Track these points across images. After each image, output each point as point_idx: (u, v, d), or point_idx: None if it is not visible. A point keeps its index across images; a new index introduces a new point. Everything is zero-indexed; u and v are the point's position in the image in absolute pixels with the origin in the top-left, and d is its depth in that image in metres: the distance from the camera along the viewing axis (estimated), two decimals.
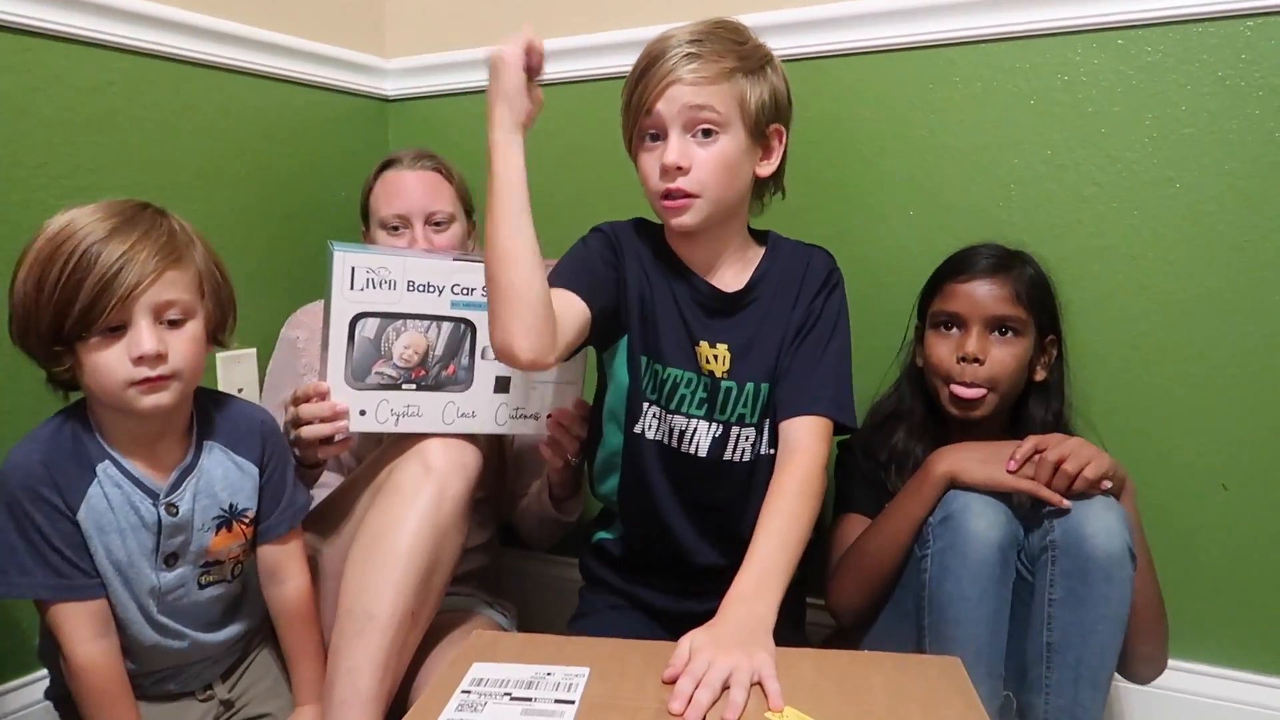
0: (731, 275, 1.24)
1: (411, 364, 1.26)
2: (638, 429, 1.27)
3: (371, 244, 1.55)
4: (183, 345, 1.07)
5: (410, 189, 1.51)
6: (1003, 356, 1.26)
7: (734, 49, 1.13)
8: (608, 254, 1.24)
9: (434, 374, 1.27)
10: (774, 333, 1.23)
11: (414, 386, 1.27)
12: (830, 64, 1.57)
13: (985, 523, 1.12)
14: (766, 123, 1.16)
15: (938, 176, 1.52)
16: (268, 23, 1.71)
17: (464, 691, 0.92)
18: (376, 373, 1.24)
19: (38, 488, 1.04)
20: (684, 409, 1.25)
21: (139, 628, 1.13)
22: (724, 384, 1.23)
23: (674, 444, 1.26)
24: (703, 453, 1.25)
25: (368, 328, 1.23)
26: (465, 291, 1.27)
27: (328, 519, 1.35)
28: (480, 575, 1.58)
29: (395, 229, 1.51)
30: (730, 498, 1.26)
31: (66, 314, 0.99)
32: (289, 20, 1.75)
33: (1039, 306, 1.30)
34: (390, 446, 1.30)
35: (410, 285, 1.24)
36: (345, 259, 1.20)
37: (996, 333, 1.28)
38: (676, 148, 1.11)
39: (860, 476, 1.37)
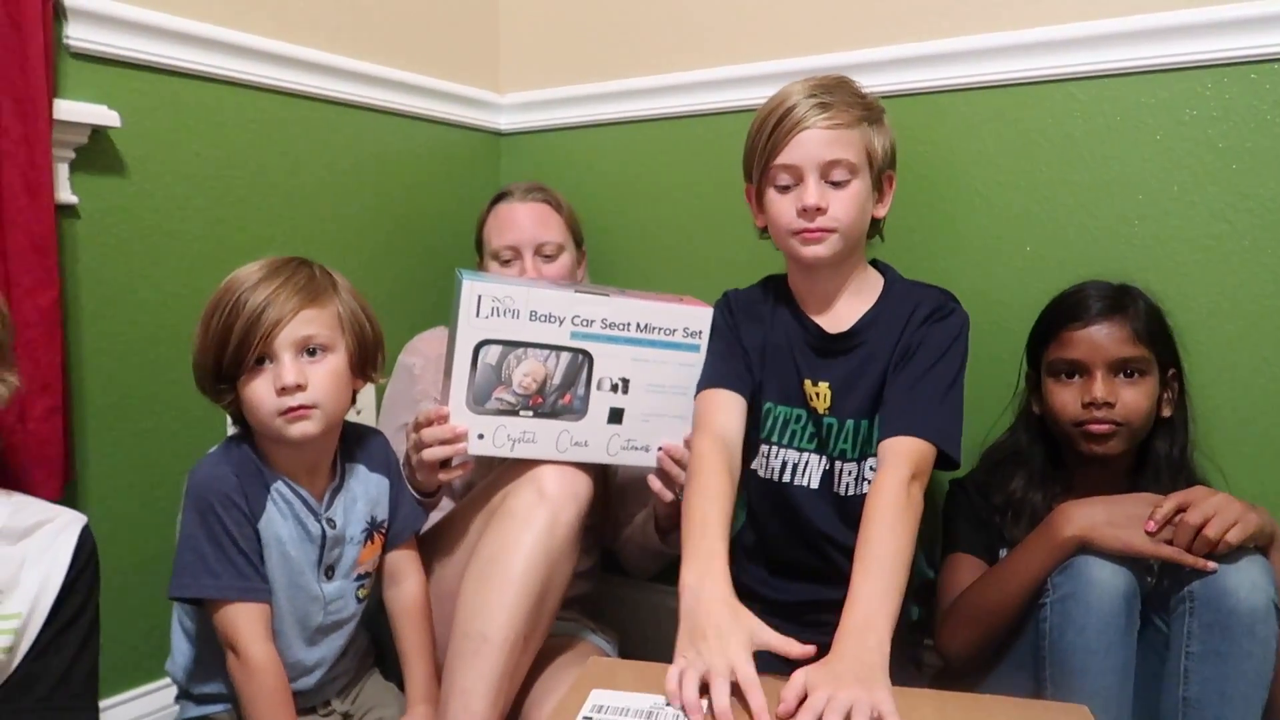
0: (845, 310, 1.29)
1: (530, 391, 1.29)
2: (753, 465, 1.33)
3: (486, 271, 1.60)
4: (322, 377, 1.16)
5: (521, 221, 1.56)
6: (1134, 398, 1.23)
7: (858, 100, 1.22)
8: (731, 331, 1.34)
9: (551, 402, 1.30)
10: (875, 370, 1.25)
11: (531, 413, 1.29)
12: (947, 99, 1.56)
13: (1109, 570, 1.09)
14: (883, 169, 1.25)
15: (1057, 213, 1.49)
16: (389, 60, 1.78)
17: (585, 718, 0.93)
18: (496, 398, 1.28)
19: (230, 494, 1.15)
20: (795, 443, 1.31)
21: (287, 641, 1.21)
22: (826, 420, 1.28)
23: (788, 478, 1.31)
24: (814, 485, 1.30)
25: (490, 354, 1.26)
26: (585, 323, 1.29)
27: (442, 541, 1.38)
28: (583, 601, 1.60)
29: (507, 260, 1.56)
30: (839, 529, 1.28)
31: (224, 353, 1.13)
32: (409, 58, 1.83)
33: (1159, 342, 1.27)
34: (504, 472, 1.32)
35: (533, 315, 1.27)
36: (473, 288, 1.24)
37: (1122, 375, 1.24)
38: (815, 191, 1.19)
39: (972, 517, 1.35)
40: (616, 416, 1.34)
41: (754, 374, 1.32)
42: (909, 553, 1.08)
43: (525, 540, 1.22)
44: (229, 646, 1.14)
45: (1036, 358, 1.34)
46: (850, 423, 1.27)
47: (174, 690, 1.29)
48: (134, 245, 1.40)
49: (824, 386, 1.27)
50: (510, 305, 1.25)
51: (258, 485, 1.18)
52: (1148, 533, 1.09)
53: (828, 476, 1.29)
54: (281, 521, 1.19)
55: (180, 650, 1.25)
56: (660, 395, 1.34)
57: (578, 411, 1.32)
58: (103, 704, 1.38)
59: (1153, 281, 1.33)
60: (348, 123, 1.72)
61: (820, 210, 1.19)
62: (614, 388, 1.32)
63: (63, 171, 1.29)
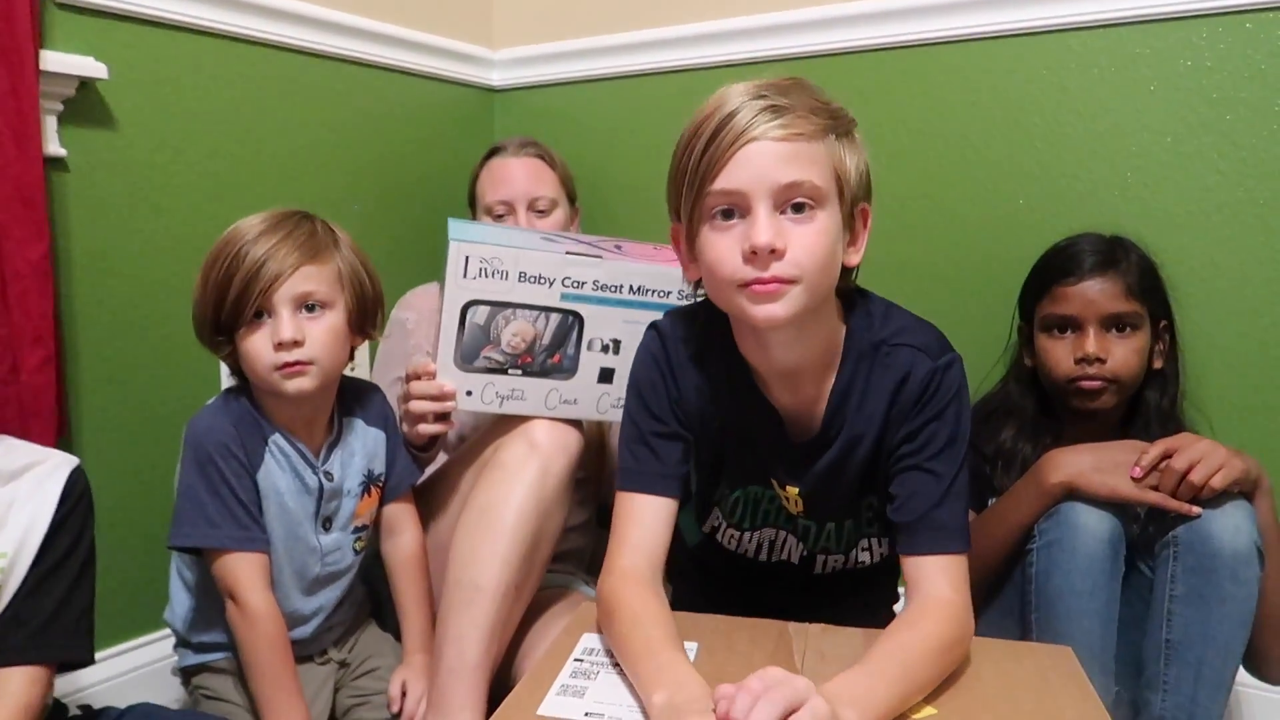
0: (812, 388, 1.01)
1: (518, 351, 1.29)
2: (708, 529, 1.18)
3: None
4: (320, 334, 1.16)
5: (514, 176, 1.56)
6: (1124, 353, 1.23)
7: (821, 106, 0.90)
8: (663, 394, 1.03)
9: (540, 361, 1.30)
10: (853, 466, 1.03)
11: (520, 372, 1.29)
12: (943, 50, 1.55)
13: (1094, 516, 1.10)
14: (856, 199, 0.94)
15: (1050, 165, 1.49)
16: (382, 15, 1.77)
17: (576, 660, 0.94)
18: (484, 357, 1.28)
19: (229, 445, 1.16)
20: (771, 522, 1.13)
21: (285, 591, 1.23)
22: (801, 521, 1.11)
23: (763, 558, 1.16)
24: (794, 561, 1.16)
25: (478, 314, 1.26)
26: (576, 285, 1.28)
27: (435, 494, 1.40)
28: (578, 555, 1.62)
29: (500, 215, 1.56)
30: (822, 601, 1.12)
31: (222, 304, 1.13)
32: (402, 12, 1.82)
33: (1151, 295, 1.27)
34: (495, 425, 1.33)
35: (522, 276, 1.25)
36: (460, 248, 1.23)
37: (1114, 330, 1.25)
38: (768, 225, 0.86)
39: None
40: (607, 376, 1.33)
41: (697, 450, 1.06)
42: (931, 684, 0.85)
43: (517, 491, 1.23)
44: (228, 595, 1.16)
45: (1029, 312, 1.35)
46: (831, 525, 1.10)
47: (172, 640, 1.31)
48: (123, 198, 1.40)
49: (793, 491, 1.06)
50: (499, 266, 1.24)
51: (256, 437, 1.19)
52: (1134, 479, 1.11)
53: (808, 561, 1.14)
54: (279, 473, 1.20)
55: (179, 600, 1.27)
56: None
57: (567, 371, 1.31)
58: (102, 654, 1.41)
59: (1146, 233, 1.33)
60: (340, 78, 1.71)
61: (775, 253, 0.85)
62: (605, 348, 1.31)
63: (50, 124, 1.28)
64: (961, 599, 0.92)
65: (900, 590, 1.12)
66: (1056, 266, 1.30)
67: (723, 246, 0.89)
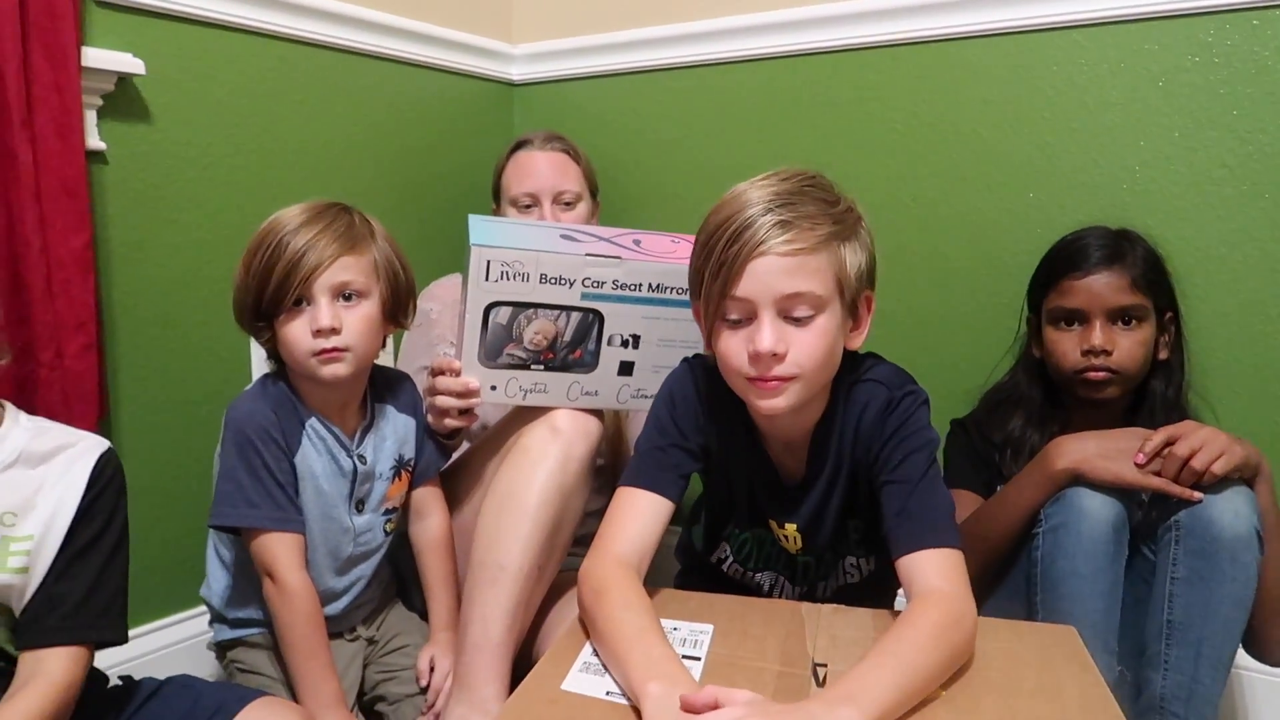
0: (799, 438, 1.12)
1: (541, 347, 1.32)
2: (714, 560, 1.27)
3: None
4: (356, 322, 1.20)
5: (540, 169, 1.59)
6: (1130, 345, 1.26)
7: (828, 212, 0.98)
8: (688, 416, 1.12)
9: (561, 357, 1.33)
10: (837, 496, 1.13)
11: (542, 367, 1.32)
12: (952, 47, 1.58)
13: (1099, 501, 1.13)
14: (858, 293, 1.02)
15: (1059, 159, 1.52)
16: (405, 10, 1.81)
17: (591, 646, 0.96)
18: (508, 354, 1.31)
19: (268, 429, 1.20)
20: (771, 566, 1.23)
21: (319, 570, 1.27)
22: (800, 559, 1.21)
23: (765, 591, 1.25)
24: (795, 598, 1.23)
25: (501, 314, 1.28)
26: (596, 284, 1.30)
27: (459, 479, 1.44)
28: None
29: (526, 207, 1.59)
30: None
31: (264, 292, 1.17)
32: (424, 8, 1.85)
33: (1157, 289, 1.29)
34: (518, 413, 1.37)
35: (543, 278, 1.27)
36: (482, 254, 1.24)
37: (1120, 323, 1.27)
38: (771, 333, 0.96)
39: (972, 455, 1.39)
40: (626, 369, 1.36)
41: (707, 487, 1.22)
42: (935, 681, 0.86)
43: (539, 475, 1.26)
44: (266, 573, 1.20)
45: (1037, 303, 1.37)
46: (828, 554, 1.20)
47: (206, 617, 1.36)
48: (159, 190, 1.44)
49: (791, 528, 1.16)
50: (520, 269, 1.26)
51: (293, 421, 1.24)
52: (1137, 465, 1.14)
53: (808, 594, 1.23)
54: (315, 456, 1.25)
55: (216, 577, 1.31)
56: (670, 348, 1.35)
57: (588, 365, 1.34)
58: (140, 629, 1.46)
59: (1153, 226, 1.36)
60: (364, 72, 1.75)
61: (776, 357, 0.97)
62: (624, 343, 1.34)
63: (91, 118, 1.33)
64: (951, 587, 0.94)
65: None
66: (1064, 260, 1.33)
67: (732, 344, 1.00)
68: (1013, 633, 1.01)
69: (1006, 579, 1.25)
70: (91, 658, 0.98)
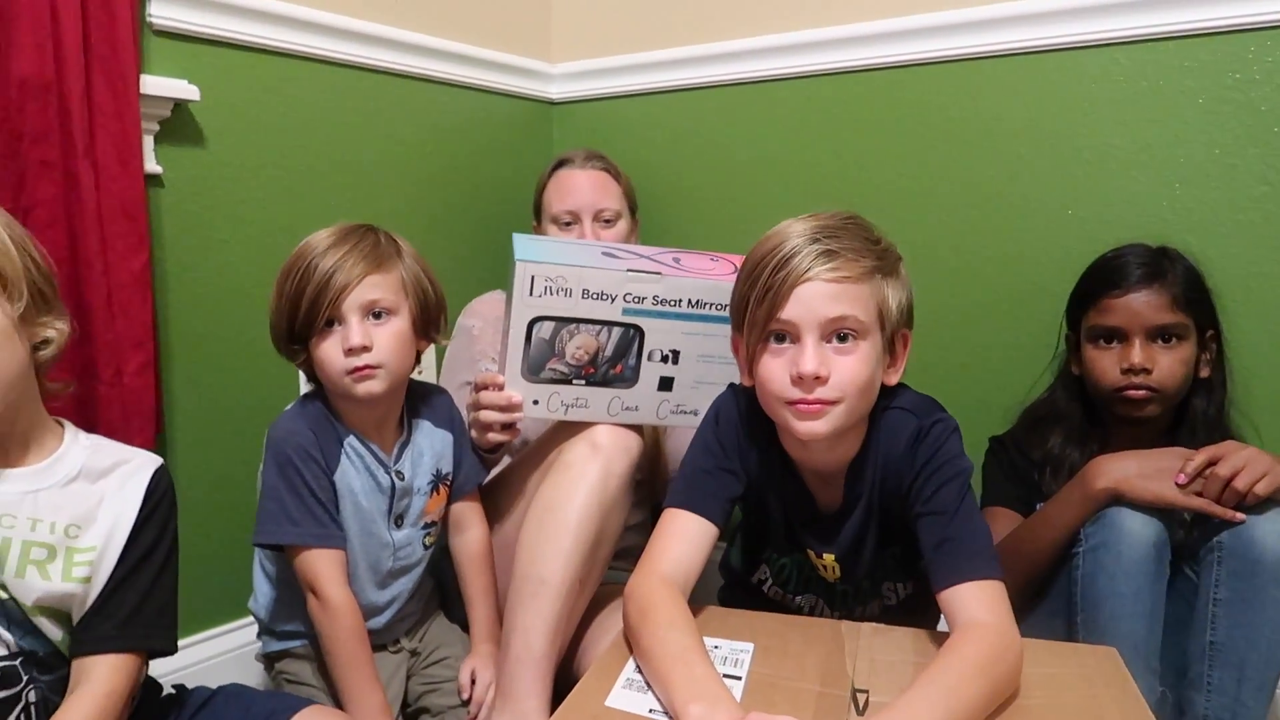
0: (835, 466, 1.13)
1: (582, 362, 1.34)
2: (755, 581, 1.29)
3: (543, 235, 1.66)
4: (386, 338, 1.23)
5: (582, 187, 1.62)
6: (1170, 363, 1.26)
7: (870, 248, 1.02)
8: (731, 441, 1.15)
9: (602, 372, 1.35)
10: (872, 526, 1.15)
11: (583, 382, 1.34)
12: (989, 64, 1.58)
13: (1140, 521, 1.13)
14: (897, 329, 1.05)
15: (1098, 176, 1.52)
16: (446, 33, 1.85)
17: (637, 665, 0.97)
18: (550, 368, 1.33)
19: (308, 448, 1.23)
20: (811, 590, 1.25)
21: (361, 585, 1.30)
22: (839, 588, 1.22)
23: (806, 612, 1.26)
24: (828, 617, 1.25)
25: (544, 329, 1.31)
26: (637, 300, 1.32)
27: (500, 493, 1.46)
28: (635, 553, 1.64)
29: (567, 224, 1.62)
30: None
31: (296, 315, 1.21)
32: (465, 30, 1.89)
33: (1197, 306, 1.29)
34: (558, 428, 1.39)
35: (585, 293, 1.30)
36: (526, 269, 1.27)
37: (1160, 341, 1.27)
38: (814, 355, 0.98)
39: (1010, 472, 1.39)
40: (666, 384, 1.38)
41: (745, 512, 1.25)
42: (978, 704, 0.86)
43: (580, 490, 1.28)
44: (309, 589, 1.23)
45: (1076, 321, 1.37)
46: (866, 582, 1.21)
47: (255, 628, 1.39)
48: (212, 213, 1.49)
49: (830, 559, 1.17)
50: (563, 284, 1.29)
51: (332, 440, 1.26)
52: (1178, 485, 1.13)
53: (846, 618, 1.20)
54: (354, 473, 1.28)
55: (262, 591, 1.35)
56: (710, 364, 1.37)
57: (628, 380, 1.36)
58: (190, 639, 1.50)
59: (1193, 243, 1.35)
60: (408, 94, 1.79)
61: (819, 379, 0.99)
62: (664, 359, 1.35)
63: (148, 143, 1.37)
64: (995, 619, 0.93)
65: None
66: (1103, 278, 1.32)
67: (774, 367, 1.02)
68: (1053, 655, 1.01)
69: (1046, 598, 1.25)
70: (144, 666, 1.01)
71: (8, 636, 0.92)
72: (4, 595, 0.92)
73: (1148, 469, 1.15)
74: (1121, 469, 1.17)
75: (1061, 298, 1.41)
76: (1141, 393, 1.26)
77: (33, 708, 0.94)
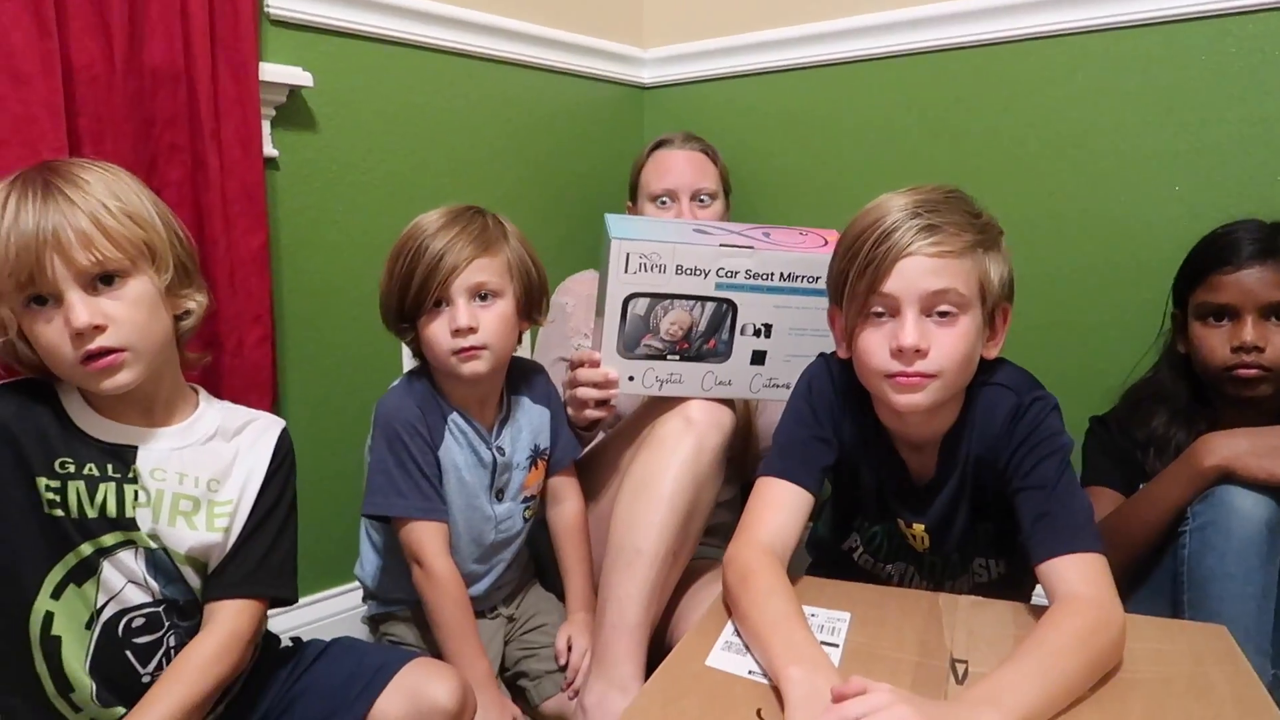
0: (931, 442, 1.14)
1: (676, 338, 1.36)
2: (845, 548, 1.30)
3: (638, 215, 1.69)
4: (492, 320, 1.26)
5: (680, 167, 1.65)
6: None
7: (971, 222, 1.01)
8: (825, 411, 1.15)
9: (696, 347, 1.37)
10: (964, 502, 1.14)
11: (677, 357, 1.37)
12: (1094, 39, 1.55)
13: (1251, 500, 1.10)
14: (997, 303, 1.05)
15: (1207, 151, 1.47)
16: (543, 19, 1.89)
17: (727, 641, 0.98)
18: (645, 345, 1.36)
19: (415, 424, 1.28)
20: (902, 558, 1.25)
21: (463, 556, 1.34)
22: (928, 558, 1.22)
23: (895, 583, 1.26)
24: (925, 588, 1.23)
25: (639, 306, 1.33)
26: (729, 275, 1.34)
27: (595, 468, 1.49)
28: (726, 530, 1.66)
29: (664, 203, 1.65)
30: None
31: (406, 295, 1.24)
32: (560, 16, 1.93)
33: None
34: (652, 404, 1.41)
35: (679, 269, 1.32)
36: (622, 246, 1.30)
37: (1273, 319, 1.23)
38: (914, 329, 0.99)
39: (1113, 452, 1.36)
40: (759, 358, 1.39)
41: (836, 480, 1.23)
42: (1078, 688, 0.85)
43: (674, 463, 1.30)
44: (414, 560, 1.28)
45: (1183, 299, 1.34)
46: (956, 555, 1.20)
47: (360, 592, 1.46)
48: (324, 194, 1.55)
49: (919, 529, 1.18)
50: (657, 261, 1.31)
51: (437, 416, 1.31)
52: None
53: (936, 588, 1.22)
54: (458, 449, 1.32)
55: (368, 559, 1.41)
56: (801, 337, 1.38)
57: (721, 354, 1.38)
58: (302, 601, 1.57)
59: None
60: (506, 80, 1.84)
61: (920, 353, 0.99)
62: (757, 332, 1.37)
63: (265, 128, 1.44)
64: (1095, 592, 0.93)
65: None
66: (1213, 254, 1.29)
67: (874, 340, 1.02)
68: (1161, 631, 0.99)
69: (1149, 578, 1.23)
70: (264, 612, 1.07)
71: (154, 584, 1.00)
72: (155, 545, 0.99)
73: (1261, 446, 1.12)
74: (1232, 446, 1.14)
75: (1166, 276, 1.38)
76: (1253, 371, 1.23)
77: (172, 651, 1.01)
